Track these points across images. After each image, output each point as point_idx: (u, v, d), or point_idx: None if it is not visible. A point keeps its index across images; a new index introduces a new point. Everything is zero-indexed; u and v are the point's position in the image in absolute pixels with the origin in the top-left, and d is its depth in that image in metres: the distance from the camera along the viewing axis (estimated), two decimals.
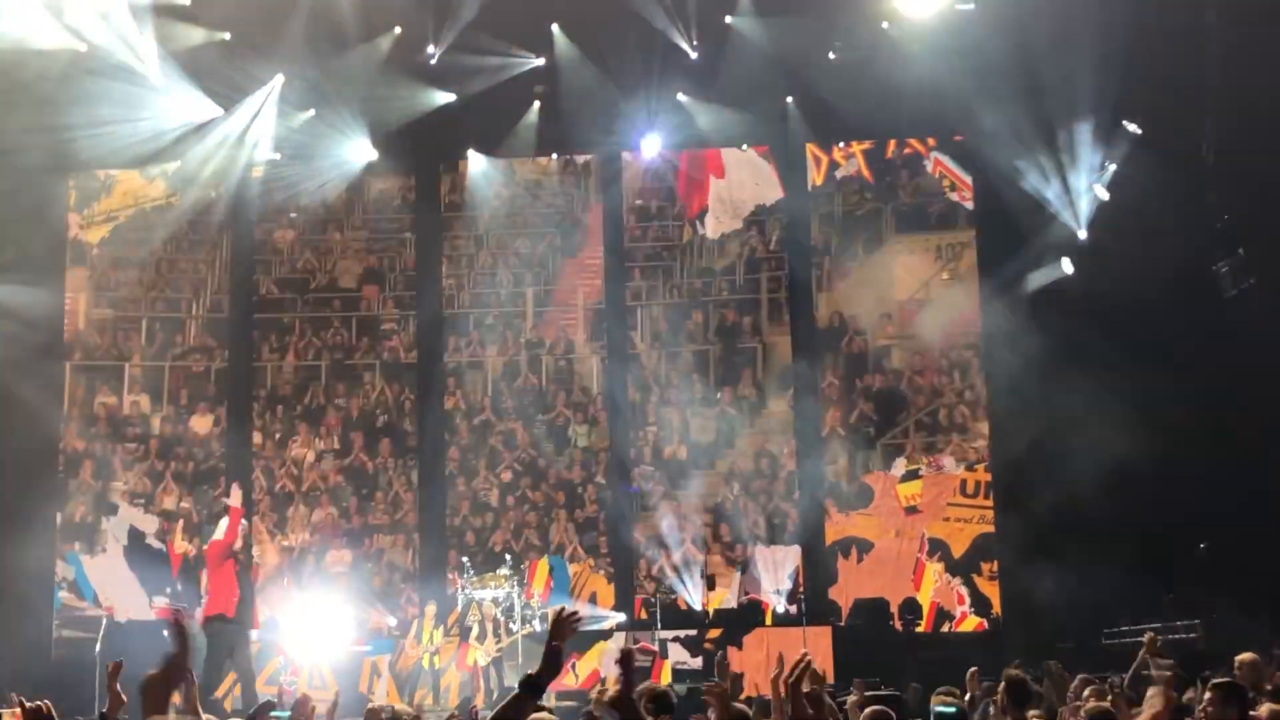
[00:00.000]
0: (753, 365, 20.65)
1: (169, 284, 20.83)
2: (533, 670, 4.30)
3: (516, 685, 4.22)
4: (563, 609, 4.48)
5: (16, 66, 17.83)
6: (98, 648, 15.97)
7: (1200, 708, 6.57)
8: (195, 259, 20.95)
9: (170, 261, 20.83)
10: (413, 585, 19.96)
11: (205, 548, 14.56)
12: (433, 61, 19.81)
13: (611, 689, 4.57)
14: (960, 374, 20.20)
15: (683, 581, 19.60)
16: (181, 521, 20.08)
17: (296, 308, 20.91)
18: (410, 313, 21.03)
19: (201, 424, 20.37)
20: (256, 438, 20.49)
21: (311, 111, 20.05)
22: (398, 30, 19.58)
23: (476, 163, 21.12)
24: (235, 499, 15.02)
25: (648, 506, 20.06)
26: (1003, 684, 8.27)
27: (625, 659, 4.37)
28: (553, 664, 4.27)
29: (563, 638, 4.38)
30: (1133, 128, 18.80)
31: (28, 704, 4.07)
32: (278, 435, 20.52)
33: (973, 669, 11.16)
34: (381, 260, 21.21)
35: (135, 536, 20.19)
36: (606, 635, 18.36)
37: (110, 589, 19.91)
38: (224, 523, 14.80)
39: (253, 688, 14.62)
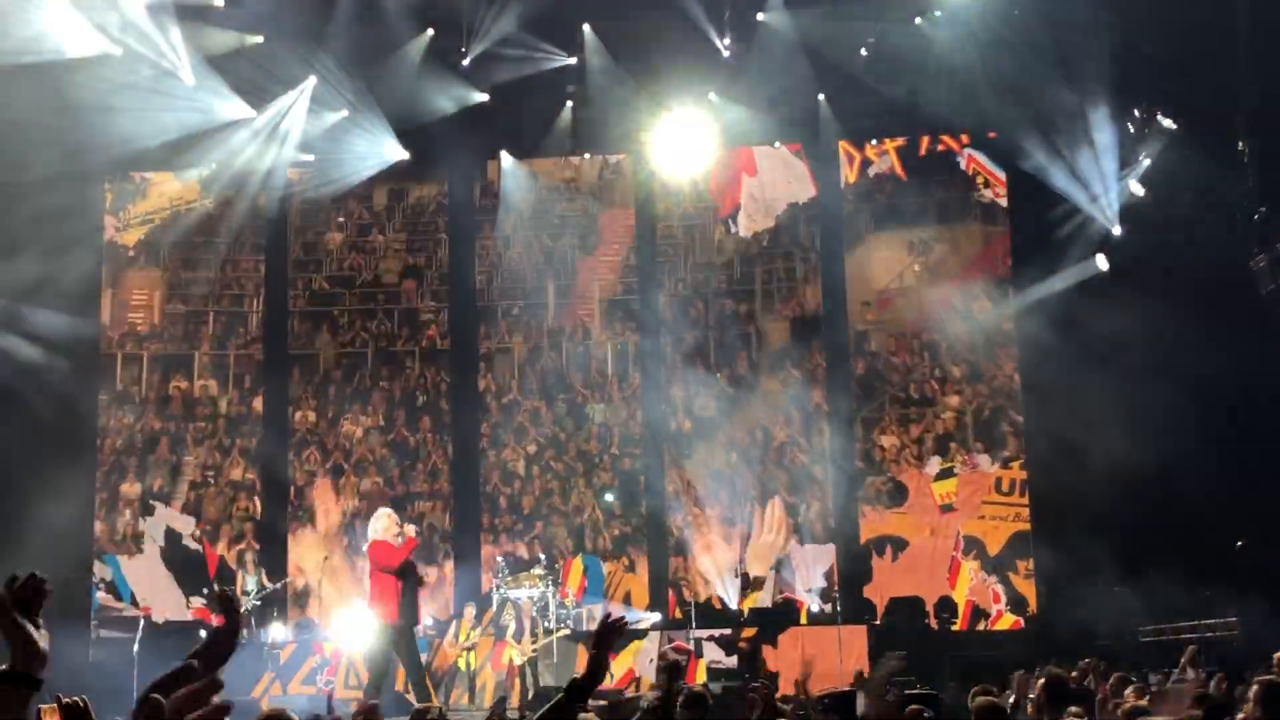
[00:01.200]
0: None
1: (232, 281, 21.51)
2: (578, 675, 4.25)
3: (562, 689, 4.17)
4: (609, 615, 4.42)
5: (52, 70, 17.94)
6: (135, 648, 16.06)
7: (1244, 709, 6.53)
8: (252, 259, 21.61)
9: (233, 261, 21.50)
10: (450, 544, 20.77)
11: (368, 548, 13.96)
12: (466, 62, 19.92)
13: (648, 693, 4.51)
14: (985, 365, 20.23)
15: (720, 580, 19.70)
16: (223, 527, 20.47)
17: (345, 301, 21.74)
18: (445, 305, 21.66)
19: (260, 405, 21.29)
20: (311, 416, 21.28)
21: (344, 113, 20.13)
22: (430, 32, 19.71)
23: (508, 163, 21.24)
24: (411, 530, 14.38)
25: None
26: (1041, 682, 8.25)
27: (671, 668, 4.28)
28: (598, 670, 4.23)
29: (608, 645, 4.33)
30: (1167, 122, 18.70)
31: (65, 700, 4.05)
32: (330, 414, 21.33)
33: (1019, 672, 11.14)
34: (419, 258, 21.93)
35: (172, 538, 20.39)
36: (642, 635, 18.36)
37: (148, 590, 20.10)
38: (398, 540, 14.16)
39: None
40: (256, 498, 20.77)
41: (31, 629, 3.08)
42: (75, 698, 3.63)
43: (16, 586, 3.05)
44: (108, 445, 20.61)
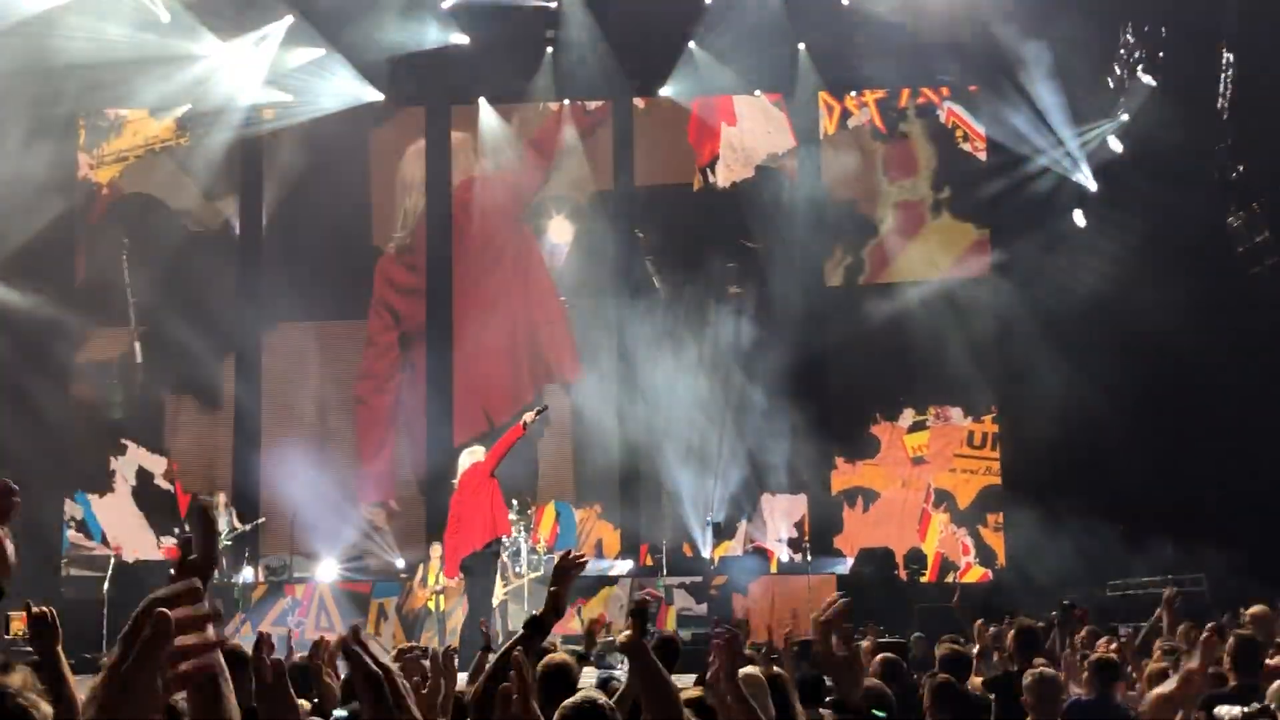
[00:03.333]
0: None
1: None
2: (537, 612, 4.37)
3: (522, 626, 4.28)
4: (568, 552, 4.56)
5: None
6: (105, 586, 16.08)
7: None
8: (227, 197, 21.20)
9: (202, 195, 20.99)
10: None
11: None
12: (446, 4, 19.71)
13: (619, 636, 4.64)
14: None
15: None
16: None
17: None
18: (422, 259, 21.27)
19: None
20: None
21: (322, 51, 19.93)
22: None
23: (486, 110, 21.07)
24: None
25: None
26: (1012, 632, 8.32)
27: (639, 611, 4.42)
28: (556, 606, 4.38)
29: (566, 582, 4.49)
30: (1146, 78, 18.69)
31: (34, 610, 4.03)
32: None
33: (978, 621, 11.21)
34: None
35: (144, 477, 20.33)
36: (612, 581, 18.42)
37: (118, 529, 20.06)
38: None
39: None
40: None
41: None
42: (44, 609, 3.57)
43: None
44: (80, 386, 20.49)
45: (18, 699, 2.51)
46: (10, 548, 2.91)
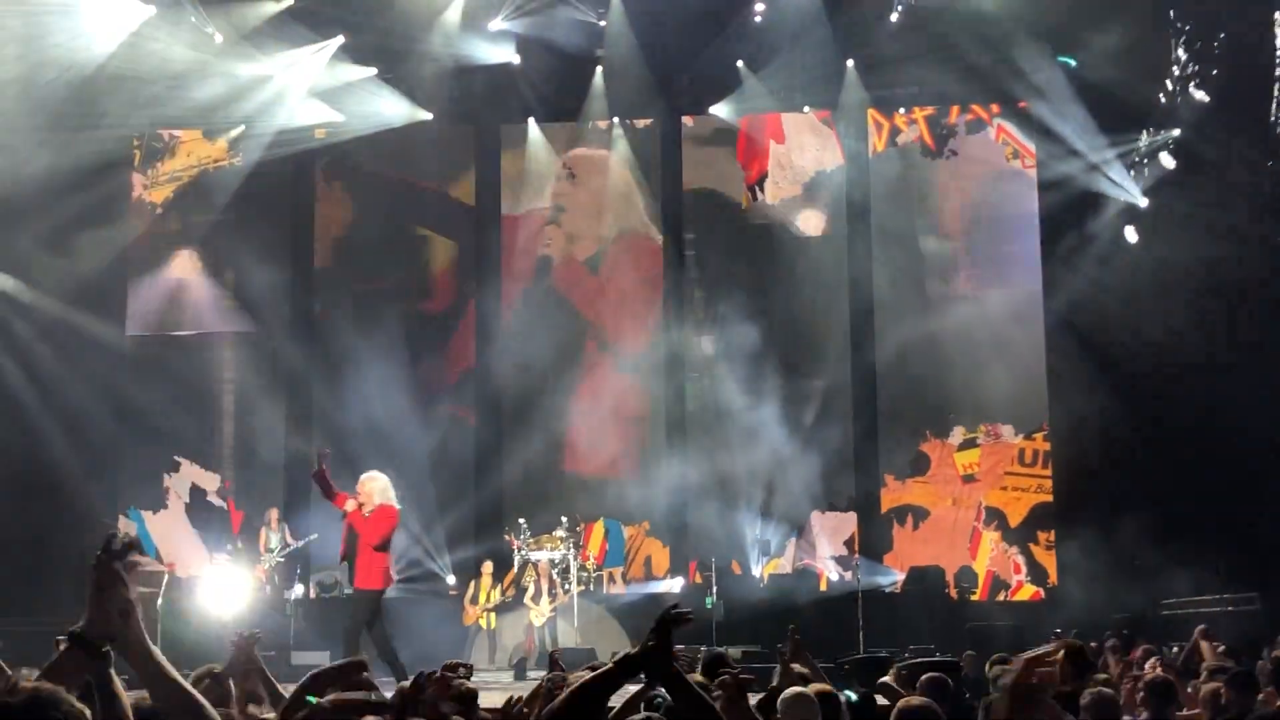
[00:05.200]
0: None
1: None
2: (631, 650, 3.98)
3: (610, 660, 3.98)
4: (675, 605, 4.07)
5: (82, 27, 18.04)
6: (159, 602, 16.20)
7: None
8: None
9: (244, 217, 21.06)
10: None
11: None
12: (497, 24, 19.78)
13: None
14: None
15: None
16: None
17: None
18: (475, 271, 21.33)
19: None
20: None
21: (373, 71, 20.08)
22: None
23: (535, 129, 21.14)
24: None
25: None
26: (1063, 652, 8.25)
27: (670, 619, 3.96)
28: (653, 655, 3.87)
29: (668, 633, 3.96)
30: (1199, 94, 18.57)
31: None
32: None
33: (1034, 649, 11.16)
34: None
35: (197, 494, 20.51)
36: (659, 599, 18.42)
37: (172, 546, 20.23)
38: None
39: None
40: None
41: (125, 595, 3.02)
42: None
43: (118, 549, 2.98)
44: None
45: (69, 707, 2.55)
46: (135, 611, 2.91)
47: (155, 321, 21.03)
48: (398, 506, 13.51)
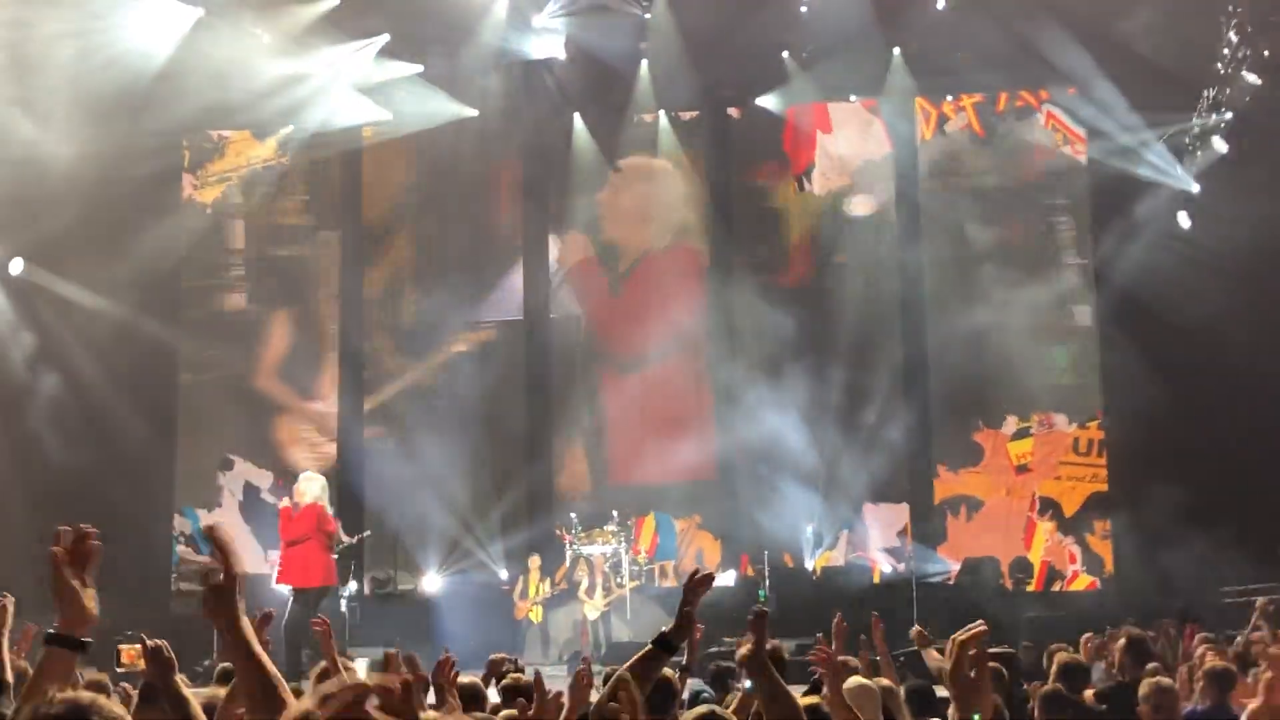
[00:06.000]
0: None
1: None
2: (666, 628, 4.33)
3: (640, 643, 4.25)
4: (696, 571, 4.54)
5: (133, 29, 18.21)
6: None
7: None
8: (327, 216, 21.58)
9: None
10: None
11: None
12: (541, 19, 19.80)
13: (741, 650, 4.59)
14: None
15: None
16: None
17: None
18: (518, 263, 21.38)
19: None
20: None
21: (419, 68, 20.14)
22: None
23: (579, 123, 21.12)
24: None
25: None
26: (1123, 641, 8.20)
27: (757, 620, 4.37)
28: (686, 624, 4.38)
29: (695, 599, 4.47)
30: (1251, 77, 18.34)
31: (150, 644, 4.09)
32: None
33: (1086, 634, 11.08)
34: None
35: (250, 491, 20.66)
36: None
37: None
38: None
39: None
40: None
41: (79, 588, 3.02)
42: (158, 642, 3.63)
43: (70, 543, 2.97)
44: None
45: (108, 713, 2.55)
46: (93, 599, 2.90)
47: (208, 317, 21.22)
48: (328, 509, 14.43)
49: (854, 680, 5.81)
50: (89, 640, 3.10)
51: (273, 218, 21.40)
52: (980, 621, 3.72)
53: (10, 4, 17.07)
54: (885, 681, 6.30)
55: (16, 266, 19.07)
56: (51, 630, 3.03)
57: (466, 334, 20.99)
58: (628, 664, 4.19)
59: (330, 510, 15.33)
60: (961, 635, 3.46)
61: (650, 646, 4.23)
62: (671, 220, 21.21)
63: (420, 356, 21.00)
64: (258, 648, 2.77)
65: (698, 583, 4.46)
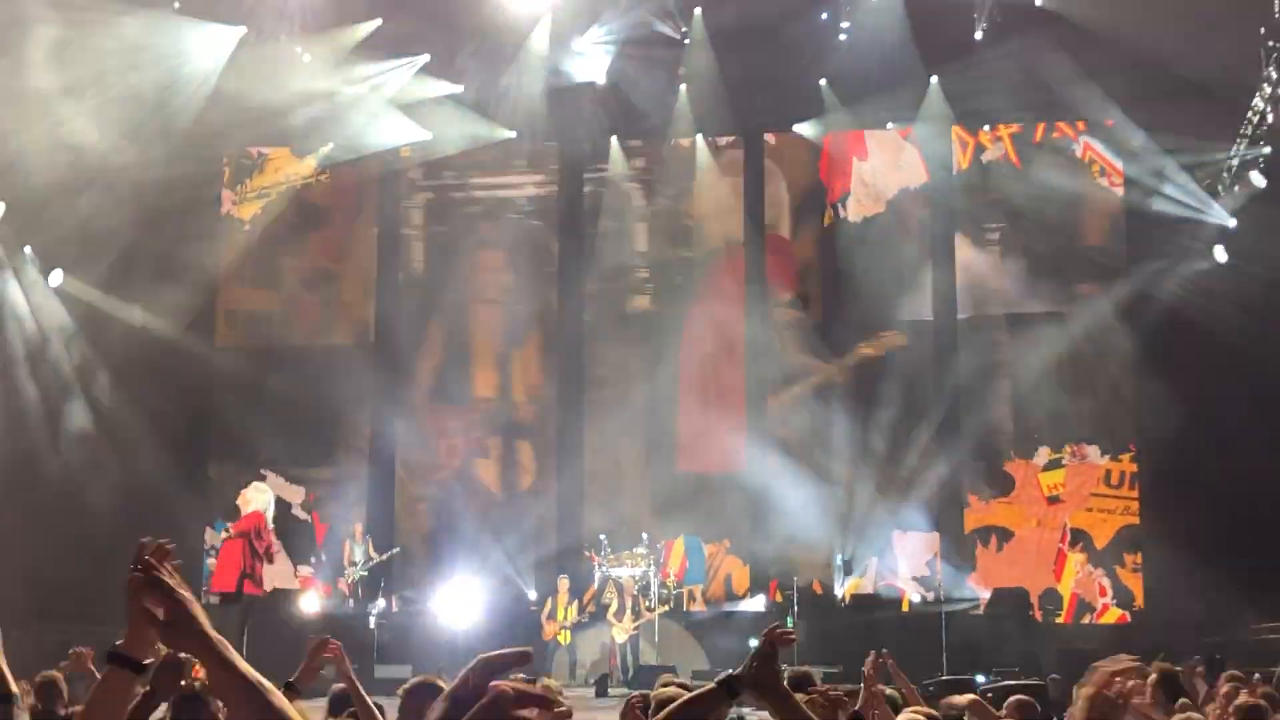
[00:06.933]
0: None
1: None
2: (734, 672, 4.01)
3: (714, 682, 3.99)
4: (775, 626, 4.13)
5: (177, 48, 18.42)
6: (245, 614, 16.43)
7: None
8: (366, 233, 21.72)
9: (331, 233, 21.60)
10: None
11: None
12: (580, 44, 19.92)
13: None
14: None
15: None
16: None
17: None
18: (555, 286, 21.49)
19: None
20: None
21: (459, 88, 20.27)
22: (549, 15, 19.74)
23: (617, 148, 21.20)
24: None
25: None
26: (1154, 677, 8.15)
27: (767, 655, 4.01)
28: (757, 677, 3.92)
29: (771, 656, 3.99)
30: None
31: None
32: None
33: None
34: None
35: (282, 507, 20.71)
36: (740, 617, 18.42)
37: None
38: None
39: None
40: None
41: (154, 609, 2.97)
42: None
43: (145, 558, 2.86)
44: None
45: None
46: (199, 610, 2.82)
47: (244, 335, 21.36)
48: (265, 515, 14.71)
49: (905, 715, 5.79)
50: (151, 661, 3.09)
51: None
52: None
53: (58, 25, 17.17)
54: (927, 709, 6.28)
55: (56, 279, 19.25)
56: (113, 649, 3.01)
57: None
58: (689, 696, 3.94)
59: (271, 525, 15.65)
60: (1109, 665, 3.38)
61: (716, 685, 3.94)
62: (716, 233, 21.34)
63: None
64: (241, 663, 2.66)
65: (776, 639, 4.02)
